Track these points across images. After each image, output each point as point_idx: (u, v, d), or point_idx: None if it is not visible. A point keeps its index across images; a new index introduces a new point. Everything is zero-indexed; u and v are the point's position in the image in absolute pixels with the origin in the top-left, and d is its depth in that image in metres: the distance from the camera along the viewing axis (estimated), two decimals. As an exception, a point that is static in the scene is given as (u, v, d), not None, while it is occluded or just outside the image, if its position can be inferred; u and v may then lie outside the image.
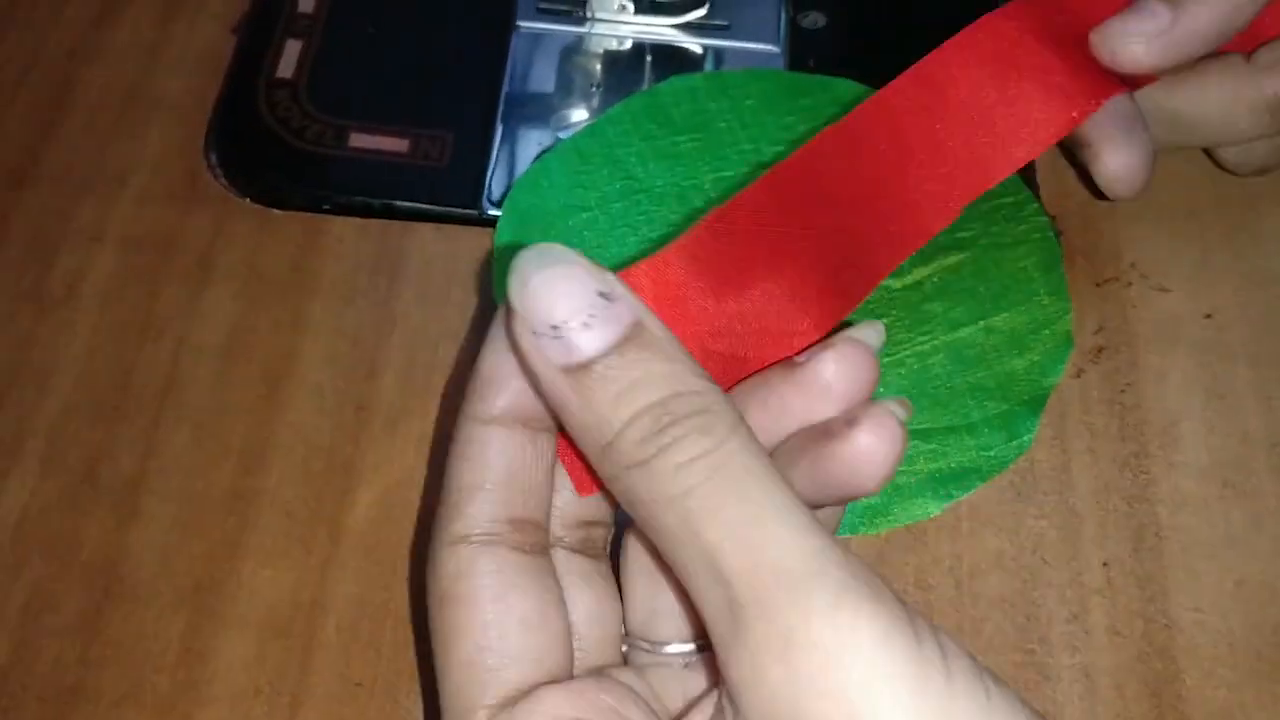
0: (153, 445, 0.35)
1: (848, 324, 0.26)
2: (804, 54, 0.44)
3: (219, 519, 0.34)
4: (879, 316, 0.37)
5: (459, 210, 0.40)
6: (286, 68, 0.43)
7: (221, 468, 0.35)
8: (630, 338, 0.20)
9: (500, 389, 0.23)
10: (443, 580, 0.23)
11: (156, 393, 0.36)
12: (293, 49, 0.43)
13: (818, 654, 0.18)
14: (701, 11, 0.44)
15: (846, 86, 0.42)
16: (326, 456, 0.35)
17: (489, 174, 0.40)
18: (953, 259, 0.38)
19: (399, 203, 0.40)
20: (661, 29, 0.44)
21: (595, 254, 0.37)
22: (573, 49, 0.44)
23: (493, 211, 0.40)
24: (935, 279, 0.38)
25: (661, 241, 0.38)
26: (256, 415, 0.36)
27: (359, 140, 0.41)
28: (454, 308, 0.38)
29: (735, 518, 0.19)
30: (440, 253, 0.39)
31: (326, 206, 0.40)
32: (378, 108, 0.42)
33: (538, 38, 0.44)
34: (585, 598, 0.25)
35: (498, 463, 0.24)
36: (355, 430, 0.36)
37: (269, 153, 0.40)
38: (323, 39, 0.43)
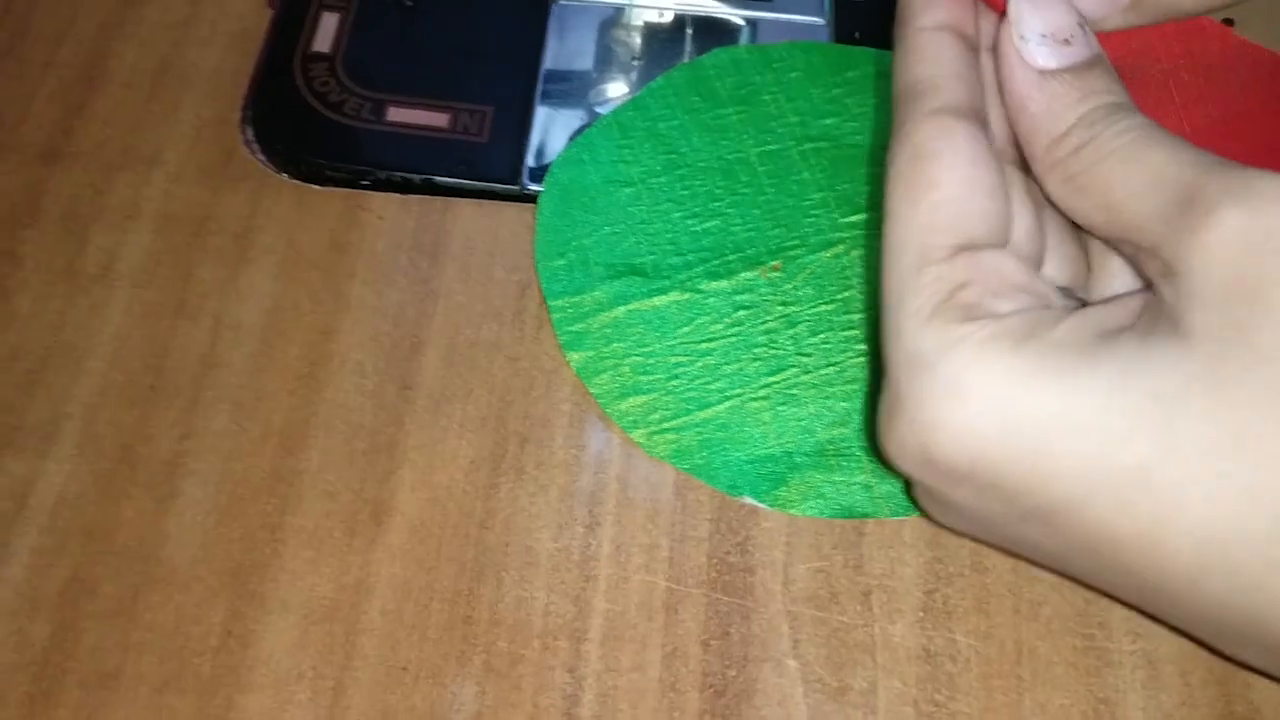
0: (191, 427, 0.34)
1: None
2: (849, 26, 0.43)
3: (259, 502, 0.33)
4: None
5: (500, 186, 0.39)
6: (323, 41, 0.42)
7: (261, 449, 0.34)
8: (1093, 64, 0.25)
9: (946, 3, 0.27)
10: (920, 140, 0.25)
11: (194, 373, 0.35)
12: (329, 22, 0.42)
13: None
14: (746, -17, 0.43)
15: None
16: (369, 437, 0.34)
17: (529, 149, 0.40)
18: None
19: (439, 178, 0.39)
20: (703, 1, 0.43)
21: (641, 230, 0.37)
22: (611, 22, 0.43)
23: (533, 187, 0.39)
24: None
25: (707, 216, 0.37)
26: (297, 395, 0.35)
27: (397, 114, 0.40)
28: (496, 285, 0.37)
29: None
30: (481, 229, 0.38)
31: (366, 182, 0.39)
32: (415, 82, 0.41)
33: (576, 10, 0.43)
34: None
35: (959, 60, 0.27)
36: (398, 410, 0.35)
37: (307, 127, 0.40)
38: (358, 12, 0.43)
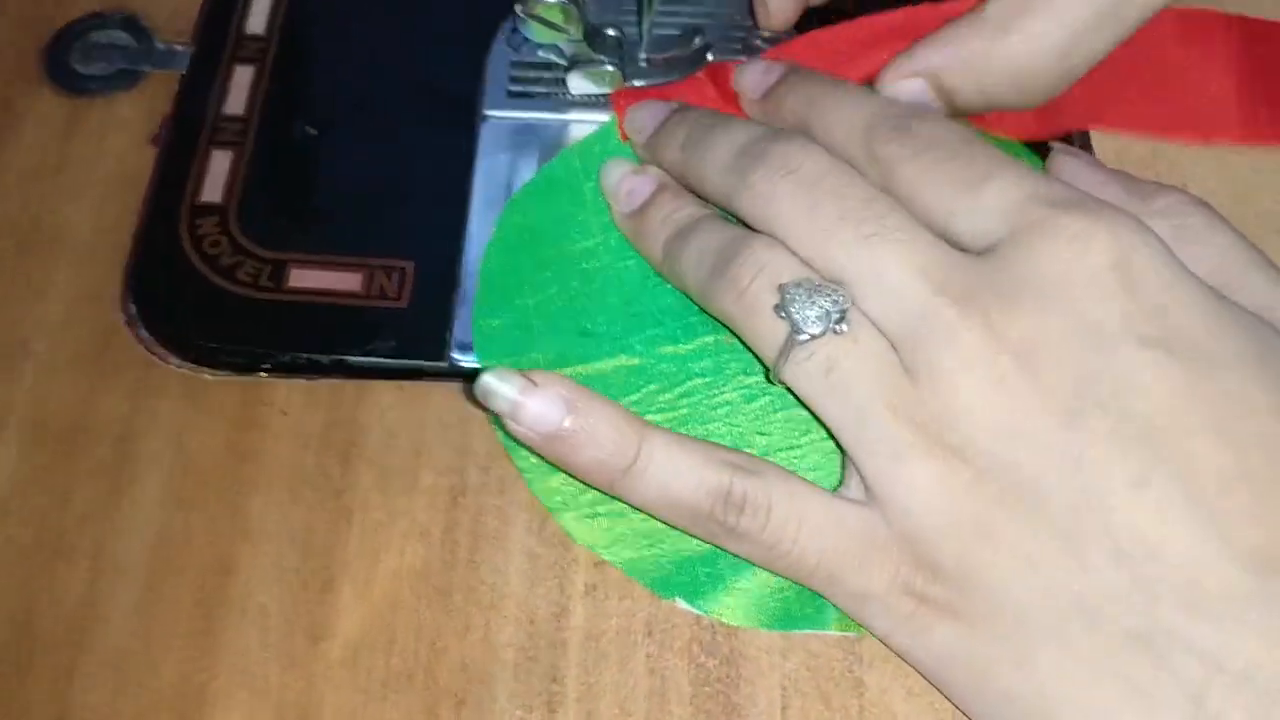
0: (66, 703, 0.29)
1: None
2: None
3: (148, 799, 0.28)
4: None
5: (425, 363, 0.33)
6: (213, 187, 0.36)
7: (150, 729, 0.29)
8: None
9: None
10: None
11: (70, 631, 0.30)
12: (220, 162, 0.36)
13: None
14: (703, 88, 0.36)
15: None
16: (276, 706, 0.29)
17: (457, 312, 0.33)
18: None
19: (352, 358, 0.33)
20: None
21: (593, 291, 0.33)
22: (553, 139, 0.37)
23: (462, 362, 0.33)
24: None
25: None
26: (191, 653, 0.30)
27: (301, 278, 0.34)
28: (421, 494, 0.31)
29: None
30: (403, 420, 0.33)
31: (267, 366, 0.33)
32: (322, 233, 0.35)
33: (511, 129, 0.37)
34: None
35: None
36: (310, 669, 0.29)
37: (196, 301, 0.34)
38: (255, 146, 0.36)
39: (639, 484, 0.28)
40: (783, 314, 0.28)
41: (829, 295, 0.27)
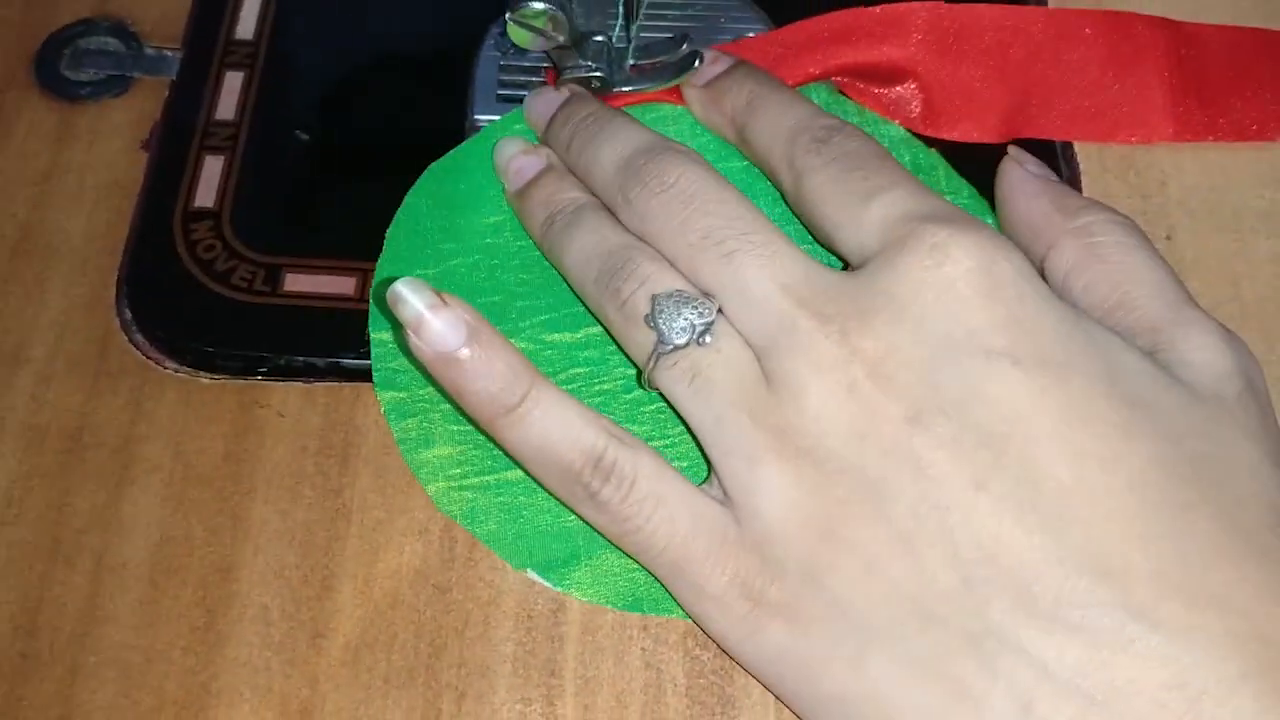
0: (71, 704, 0.30)
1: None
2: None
3: (155, 797, 0.28)
4: None
5: (419, 365, 0.33)
6: (206, 193, 0.36)
7: (154, 729, 0.29)
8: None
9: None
10: None
11: (73, 632, 0.30)
12: (212, 167, 0.36)
13: None
14: (691, 89, 0.37)
15: None
16: (279, 704, 0.29)
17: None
18: None
19: (347, 360, 0.33)
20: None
21: (494, 266, 0.34)
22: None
23: (458, 363, 0.33)
24: None
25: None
26: (194, 654, 0.30)
27: (295, 282, 0.35)
28: (419, 493, 0.32)
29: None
30: (400, 421, 0.33)
31: (263, 369, 0.33)
32: (315, 238, 0.35)
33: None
34: None
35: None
36: (311, 666, 0.30)
37: (191, 305, 0.34)
38: (246, 152, 0.37)
39: (520, 426, 0.28)
40: (651, 324, 0.29)
41: (696, 308, 0.29)
